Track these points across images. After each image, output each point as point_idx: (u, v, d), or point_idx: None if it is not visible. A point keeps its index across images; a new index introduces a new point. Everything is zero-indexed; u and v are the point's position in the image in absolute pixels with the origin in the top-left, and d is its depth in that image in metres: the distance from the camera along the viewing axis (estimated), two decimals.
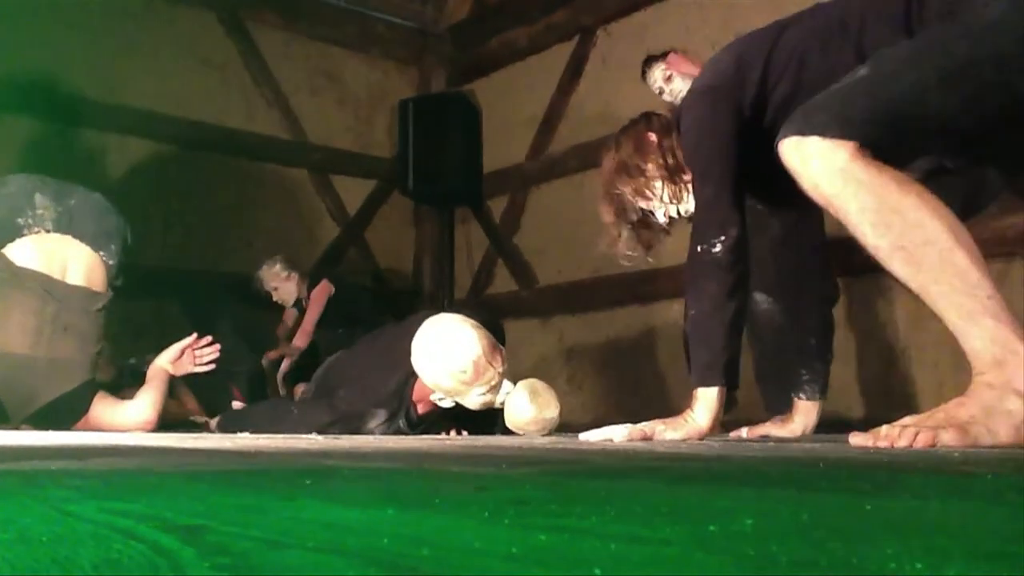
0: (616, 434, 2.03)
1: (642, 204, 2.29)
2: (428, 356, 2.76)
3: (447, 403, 2.84)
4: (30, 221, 2.82)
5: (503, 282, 5.93)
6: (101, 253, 2.91)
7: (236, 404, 3.83)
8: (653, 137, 2.26)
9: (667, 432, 2.05)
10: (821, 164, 1.66)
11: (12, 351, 2.68)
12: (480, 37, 6.07)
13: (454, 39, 6.26)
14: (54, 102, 4.77)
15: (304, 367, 4.36)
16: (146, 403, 2.90)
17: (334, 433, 2.81)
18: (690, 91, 2.27)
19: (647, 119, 2.35)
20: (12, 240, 2.79)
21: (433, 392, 2.83)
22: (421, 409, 2.91)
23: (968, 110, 1.71)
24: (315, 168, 5.79)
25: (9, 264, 2.74)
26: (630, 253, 2.35)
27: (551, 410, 2.87)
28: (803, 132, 1.70)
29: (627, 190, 2.28)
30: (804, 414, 2.47)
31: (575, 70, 5.47)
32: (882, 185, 1.62)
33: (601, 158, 2.40)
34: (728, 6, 4.61)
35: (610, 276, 5.08)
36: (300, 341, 4.66)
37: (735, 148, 2.06)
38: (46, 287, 2.75)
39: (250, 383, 4.14)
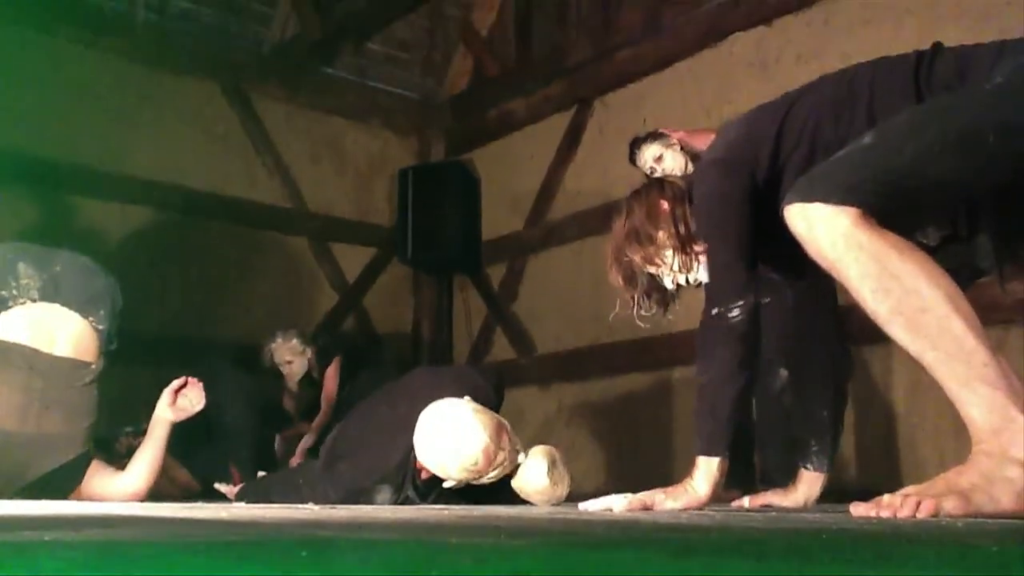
0: (616, 504, 2.02)
1: (651, 270, 2.30)
2: (435, 452, 2.70)
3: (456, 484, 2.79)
4: (14, 292, 2.75)
5: (501, 349, 5.92)
6: (91, 319, 2.83)
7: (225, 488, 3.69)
8: (665, 205, 2.27)
9: (667, 501, 2.03)
10: (825, 229, 1.68)
11: (1, 427, 2.63)
12: (479, 107, 6.17)
13: (454, 109, 6.35)
14: (57, 172, 4.81)
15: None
16: (141, 471, 2.85)
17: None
18: (703, 161, 2.30)
19: (660, 185, 2.36)
20: None
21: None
22: (425, 476, 2.86)
23: (972, 177, 1.74)
24: (314, 236, 5.83)
25: None
26: (646, 314, 2.35)
27: (563, 487, 2.85)
28: (807, 198, 1.72)
29: (637, 257, 2.28)
30: (808, 484, 2.45)
31: (572, 140, 5.55)
32: (883, 251, 1.64)
33: (612, 222, 2.41)
34: (722, 76, 4.69)
35: (608, 344, 5.09)
36: (321, 420, 4.61)
37: (749, 216, 2.08)
38: (31, 363, 2.67)
39: (254, 455, 4.06)
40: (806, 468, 2.45)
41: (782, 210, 1.76)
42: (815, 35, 4.34)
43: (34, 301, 2.77)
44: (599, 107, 5.44)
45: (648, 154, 3.77)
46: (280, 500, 2.91)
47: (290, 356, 4.71)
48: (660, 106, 4.96)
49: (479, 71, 6.29)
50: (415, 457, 2.78)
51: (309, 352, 4.75)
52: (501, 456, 2.70)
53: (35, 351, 2.70)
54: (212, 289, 5.29)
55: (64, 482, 2.74)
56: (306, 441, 4.52)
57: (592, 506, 2.06)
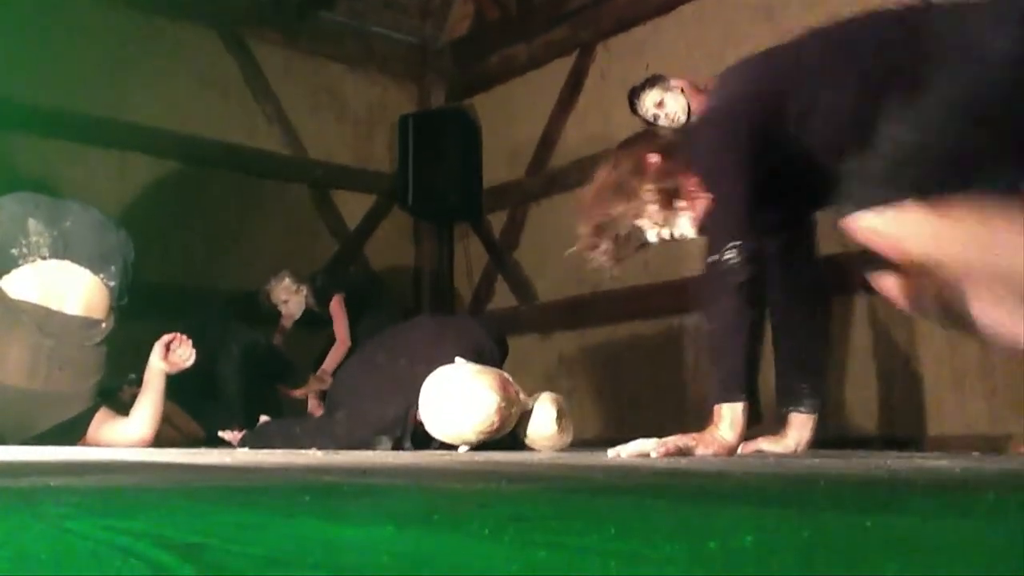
0: (650, 449, 2.01)
1: (632, 223, 2.29)
2: (448, 422, 2.70)
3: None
4: (24, 251, 2.73)
5: (503, 297, 5.92)
6: (101, 276, 2.82)
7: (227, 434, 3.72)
8: (654, 159, 2.26)
9: (698, 448, 2.04)
10: (894, 228, 1.71)
11: (8, 384, 2.63)
12: (480, 53, 6.10)
13: (454, 55, 6.28)
14: (54, 119, 4.77)
15: None
16: (144, 418, 2.87)
17: None
18: (708, 109, 2.29)
19: (649, 138, 2.35)
20: (8, 271, 2.72)
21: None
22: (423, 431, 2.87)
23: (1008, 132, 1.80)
24: (315, 184, 5.80)
25: (4, 298, 2.67)
26: (606, 264, 2.35)
27: (567, 435, 2.89)
28: (866, 205, 1.76)
29: (618, 209, 2.27)
30: (798, 428, 2.46)
31: (574, 86, 5.49)
32: (951, 225, 1.68)
33: (596, 170, 2.40)
34: (727, 21, 4.63)
35: (609, 292, 5.08)
36: (336, 360, 4.66)
37: (752, 164, 2.08)
38: (41, 323, 2.67)
39: (247, 405, 4.08)
40: (799, 411, 2.47)
41: (840, 222, 1.82)
42: None
43: (44, 259, 2.75)
44: (601, 52, 5.37)
45: (648, 100, 3.72)
46: (282, 447, 2.93)
47: (285, 296, 4.77)
48: (663, 51, 4.90)
49: (479, 16, 6.21)
50: (414, 412, 2.78)
51: (304, 290, 4.79)
52: (515, 410, 2.71)
53: (45, 310, 2.69)
54: (213, 238, 5.27)
55: (72, 431, 2.76)
56: (323, 385, 4.55)
57: (625, 451, 2.04)
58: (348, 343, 4.69)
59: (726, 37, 4.61)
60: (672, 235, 2.30)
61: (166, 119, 5.13)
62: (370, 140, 6.11)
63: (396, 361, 2.96)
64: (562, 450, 2.85)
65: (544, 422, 2.81)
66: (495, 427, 2.67)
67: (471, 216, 6.04)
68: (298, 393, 4.61)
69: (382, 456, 2.32)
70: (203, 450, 2.90)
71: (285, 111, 5.69)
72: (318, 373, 4.65)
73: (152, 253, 4.70)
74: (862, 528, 0.62)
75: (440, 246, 6.25)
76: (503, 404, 2.65)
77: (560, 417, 2.84)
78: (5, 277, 2.72)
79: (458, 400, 2.67)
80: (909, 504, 0.86)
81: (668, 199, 2.23)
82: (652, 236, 2.31)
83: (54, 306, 2.73)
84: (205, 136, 5.29)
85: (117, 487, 1.02)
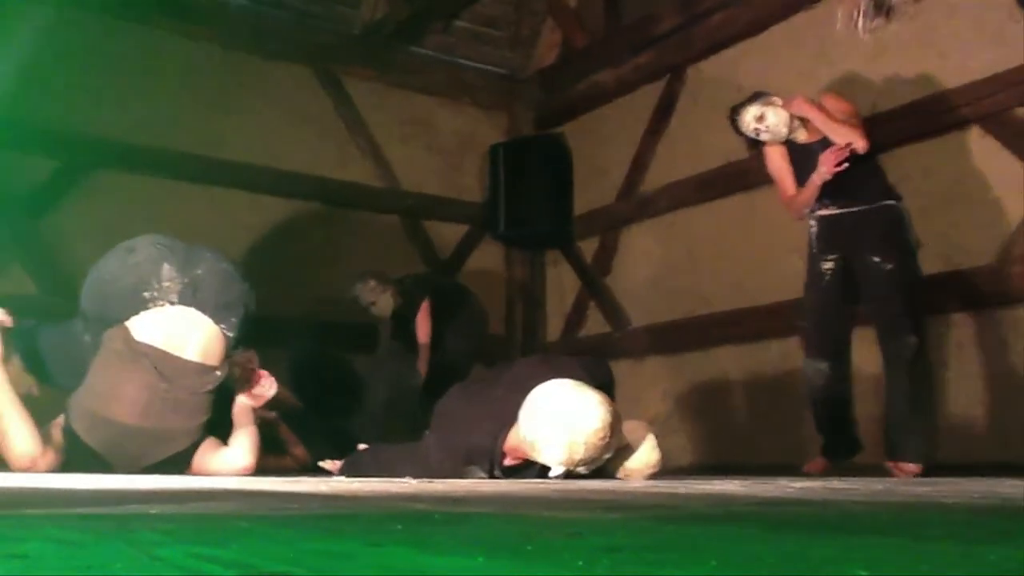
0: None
1: None
2: (555, 431, 2.51)
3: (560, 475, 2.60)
4: (155, 295, 2.81)
5: (595, 324, 5.89)
6: (222, 326, 2.89)
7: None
8: None
9: None
10: None
11: (121, 420, 2.73)
12: (568, 80, 6.11)
13: (542, 83, 6.31)
14: (156, 158, 4.97)
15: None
16: (243, 449, 2.93)
17: None
18: None
19: None
20: (136, 312, 2.80)
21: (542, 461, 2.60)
22: (508, 462, 2.81)
23: None
24: (407, 214, 5.88)
25: (129, 339, 2.77)
26: (869, 24, 2.25)
27: (659, 465, 2.84)
28: None
29: None
30: None
31: (665, 110, 5.45)
32: None
33: None
34: (819, 39, 4.53)
35: (703, 316, 5.01)
36: (422, 366, 4.80)
37: None
38: (160, 366, 2.75)
39: (331, 432, 4.16)
40: None
41: None
42: None
43: (172, 304, 2.83)
44: (692, 75, 5.32)
45: (749, 116, 3.68)
46: (377, 474, 2.93)
47: (371, 297, 4.92)
48: (755, 72, 4.82)
49: (567, 44, 6.22)
50: (503, 437, 2.73)
51: (390, 290, 4.91)
52: (619, 435, 2.58)
53: (165, 354, 2.78)
54: (307, 270, 5.38)
55: (179, 462, 2.84)
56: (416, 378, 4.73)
57: None
58: (427, 342, 4.82)
59: (820, 53, 4.52)
60: None
61: (261, 155, 5.29)
62: (460, 170, 6.17)
63: (494, 391, 2.92)
64: (652, 476, 2.80)
65: (643, 451, 2.76)
66: (603, 440, 2.51)
67: (563, 243, 6.03)
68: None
69: (474, 484, 2.31)
70: (299, 478, 2.93)
71: (377, 143, 5.80)
72: None
73: (250, 285, 4.83)
74: (984, 561, 0.57)
75: (532, 273, 6.25)
76: (612, 420, 2.53)
77: (656, 447, 2.80)
78: (133, 319, 2.80)
79: (566, 409, 2.52)
80: None
81: None
82: None
83: (175, 351, 2.81)
84: (300, 171, 5.43)
85: (211, 515, 1.03)
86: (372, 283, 4.90)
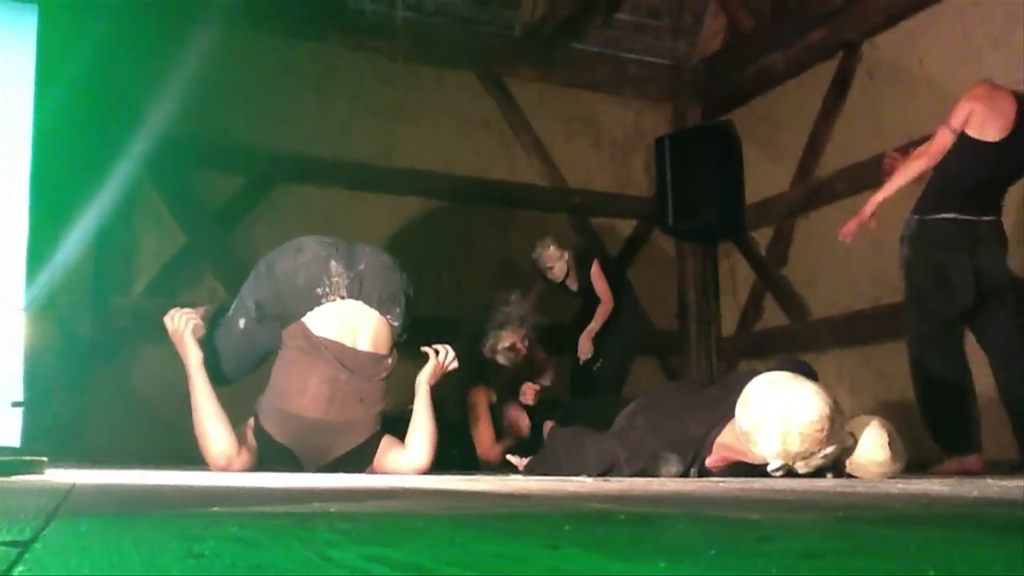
0: None
1: None
2: (773, 422, 2.42)
3: (778, 470, 2.49)
4: (327, 290, 2.95)
5: (773, 316, 5.68)
6: (388, 316, 3.02)
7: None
8: None
9: None
10: None
11: (307, 415, 2.86)
12: (735, 66, 5.92)
13: (708, 71, 6.14)
14: (333, 169, 5.17)
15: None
16: (420, 446, 2.99)
17: (620, 468, 2.73)
18: None
19: None
20: (311, 308, 2.94)
21: (761, 459, 2.49)
22: (711, 463, 2.71)
23: None
24: (574, 211, 5.86)
25: (308, 334, 2.91)
26: None
27: (901, 461, 2.70)
28: None
29: None
30: None
31: (840, 89, 5.18)
32: None
33: None
34: (1009, 2, 4.18)
35: (892, 305, 4.72)
36: (602, 319, 4.86)
37: None
38: (339, 357, 2.89)
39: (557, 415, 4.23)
40: None
41: None
42: None
43: (342, 298, 2.97)
44: (867, 51, 5.04)
45: None
46: (567, 462, 2.92)
47: (551, 262, 4.94)
48: (938, 43, 4.51)
49: (733, 28, 6.04)
50: (715, 435, 2.65)
51: (567, 255, 4.95)
52: (835, 436, 2.44)
53: (342, 346, 2.92)
54: (479, 270, 5.46)
55: (361, 458, 2.94)
56: (594, 327, 4.83)
57: None
58: (611, 303, 4.86)
59: (1013, 16, 4.17)
60: None
61: (432, 161, 5.42)
62: (627, 164, 6.10)
63: (710, 390, 2.91)
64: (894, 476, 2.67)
65: (875, 447, 2.63)
66: (820, 432, 2.39)
67: (735, 234, 5.85)
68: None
69: (658, 483, 2.24)
70: (478, 476, 2.95)
71: (542, 142, 5.82)
72: (585, 332, 4.86)
73: (426, 288, 4.94)
74: None
75: (704, 267, 6.10)
76: (831, 412, 2.41)
77: (893, 441, 2.65)
78: (309, 314, 2.95)
79: (782, 399, 2.42)
80: None
81: None
82: None
83: (348, 343, 2.94)
84: (469, 174, 5.52)
85: (387, 513, 1.03)
86: (552, 249, 4.92)
